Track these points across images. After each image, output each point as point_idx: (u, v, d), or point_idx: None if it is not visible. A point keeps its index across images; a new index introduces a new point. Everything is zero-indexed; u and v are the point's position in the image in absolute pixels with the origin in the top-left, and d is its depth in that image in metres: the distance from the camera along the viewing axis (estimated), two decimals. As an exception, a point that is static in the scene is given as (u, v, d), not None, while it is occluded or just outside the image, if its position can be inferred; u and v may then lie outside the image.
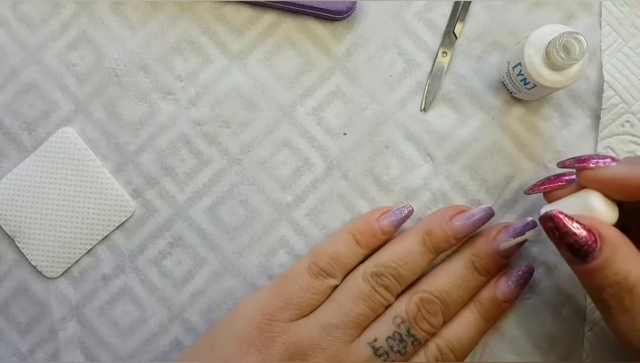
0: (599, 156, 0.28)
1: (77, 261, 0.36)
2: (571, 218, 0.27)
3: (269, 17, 0.36)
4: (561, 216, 0.27)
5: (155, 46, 0.36)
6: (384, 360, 0.31)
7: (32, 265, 0.36)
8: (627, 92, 0.35)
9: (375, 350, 0.31)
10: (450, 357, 0.32)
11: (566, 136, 0.35)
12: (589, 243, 0.26)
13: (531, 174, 0.35)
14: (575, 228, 0.27)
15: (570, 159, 0.30)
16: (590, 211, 0.28)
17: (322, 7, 0.35)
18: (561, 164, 0.30)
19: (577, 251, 0.27)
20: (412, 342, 0.31)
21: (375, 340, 0.31)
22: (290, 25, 0.36)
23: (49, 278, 0.36)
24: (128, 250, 0.36)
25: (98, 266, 0.36)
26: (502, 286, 0.33)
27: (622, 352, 0.34)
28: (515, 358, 0.35)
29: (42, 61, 0.37)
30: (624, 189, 0.28)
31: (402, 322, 0.31)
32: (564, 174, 0.31)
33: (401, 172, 0.36)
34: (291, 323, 0.32)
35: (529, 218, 0.33)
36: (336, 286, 0.33)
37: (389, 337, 0.31)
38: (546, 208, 0.30)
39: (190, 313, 0.36)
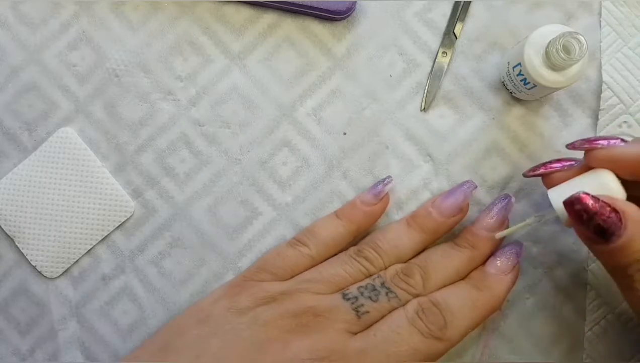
0: (607, 137, 0.29)
1: (77, 261, 0.36)
2: (597, 199, 0.26)
3: (269, 17, 0.36)
4: (588, 197, 0.26)
5: (155, 46, 0.36)
6: (352, 304, 0.31)
7: (32, 265, 0.36)
8: (625, 93, 0.35)
9: (344, 295, 0.31)
10: (434, 310, 0.30)
11: (566, 136, 0.35)
12: (615, 221, 0.26)
13: (531, 174, 0.35)
14: (603, 208, 0.26)
15: (579, 140, 0.30)
16: (606, 189, 0.27)
17: (322, 7, 0.35)
18: (571, 146, 0.30)
19: (605, 231, 0.26)
20: (387, 293, 0.31)
21: (348, 289, 0.32)
22: (290, 25, 0.36)
23: (48, 278, 0.36)
24: (128, 250, 0.36)
25: (98, 266, 0.36)
26: (490, 259, 0.33)
27: (622, 352, 0.34)
28: (515, 358, 0.35)
29: (42, 61, 0.37)
30: (635, 167, 0.27)
31: (378, 277, 0.32)
32: (560, 159, 0.31)
33: (401, 172, 0.36)
34: (264, 281, 0.33)
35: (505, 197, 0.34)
36: (311, 257, 0.33)
37: (360, 287, 0.32)
38: (554, 191, 0.29)
39: (190, 313, 0.36)
